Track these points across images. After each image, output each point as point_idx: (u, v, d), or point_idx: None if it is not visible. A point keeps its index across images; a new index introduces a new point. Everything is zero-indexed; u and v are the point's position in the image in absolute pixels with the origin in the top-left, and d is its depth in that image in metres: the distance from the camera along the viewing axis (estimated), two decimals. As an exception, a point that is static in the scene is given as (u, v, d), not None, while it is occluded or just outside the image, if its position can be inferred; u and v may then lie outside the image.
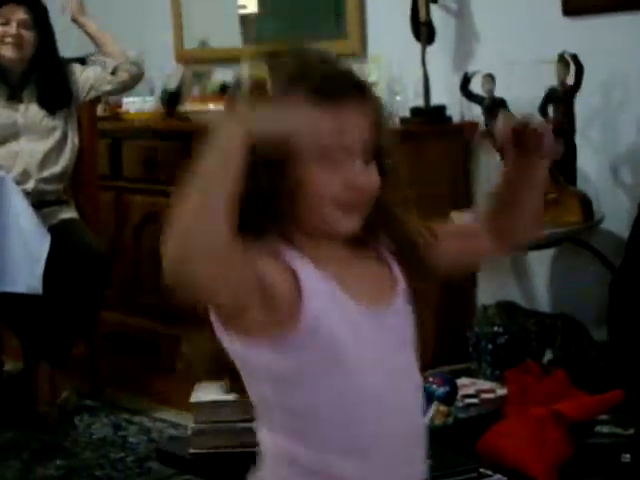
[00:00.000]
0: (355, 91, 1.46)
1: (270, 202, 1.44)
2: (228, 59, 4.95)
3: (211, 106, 4.70)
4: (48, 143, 4.07)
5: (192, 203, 1.30)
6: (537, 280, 4.08)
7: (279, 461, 1.50)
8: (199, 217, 1.31)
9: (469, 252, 1.72)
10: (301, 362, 1.45)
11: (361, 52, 4.53)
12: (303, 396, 1.46)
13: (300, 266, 1.44)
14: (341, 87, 1.45)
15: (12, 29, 3.97)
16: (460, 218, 3.76)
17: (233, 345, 1.45)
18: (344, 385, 1.46)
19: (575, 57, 3.59)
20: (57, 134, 4.09)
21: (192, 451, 2.86)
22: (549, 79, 3.65)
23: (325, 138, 1.42)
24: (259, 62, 1.49)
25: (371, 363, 1.49)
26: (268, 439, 1.51)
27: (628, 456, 2.67)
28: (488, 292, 4.12)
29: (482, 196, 4.07)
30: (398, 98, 4.29)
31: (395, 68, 4.29)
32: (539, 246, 3.78)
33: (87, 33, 4.24)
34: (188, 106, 4.80)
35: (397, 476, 1.53)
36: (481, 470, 2.58)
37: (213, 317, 1.44)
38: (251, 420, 1.62)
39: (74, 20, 4.20)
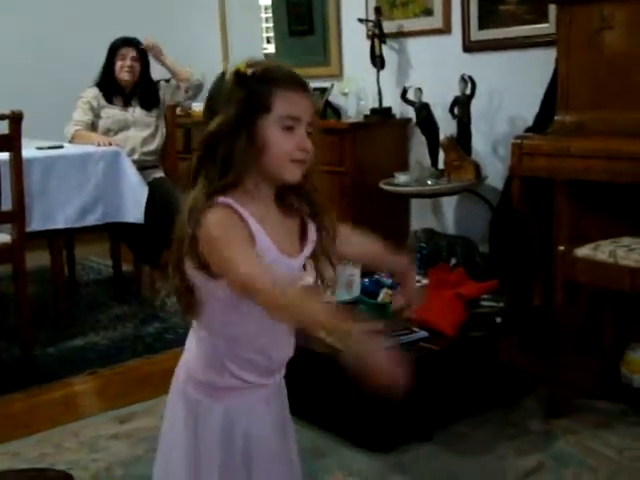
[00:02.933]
0: (304, 85, 1.35)
1: (243, 156, 1.30)
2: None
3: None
4: (146, 131, 4.06)
5: (282, 311, 1.25)
6: (447, 215, 4.11)
7: (205, 345, 1.41)
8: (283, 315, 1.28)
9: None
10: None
11: (339, 74, 4.53)
12: (235, 315, 1.36)
13: (249, 219, 1.31)
14: (296, 81, 1.34)
15: (128, 62, 3.99)
16: (400, 178, 3.77)
17: (200, 281, 1.33)
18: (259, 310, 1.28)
19: (470, 77, 3.63)
20: (152, 126, 4.08)
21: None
22: (455, 90, 3.69)
23: (288, 110, 1.32)
24: (241, 62, 1.35)
25: None
26: (205, 338, 1.41)
27: (499, 319, 2.74)
28: (417, 222, 4.15)
29: (412, 163, 4.13)
30: (362, 102, 4.32)
31: (361, 84, 4.31)
32: (449, 194, 3.86)
33: (165, 65, 4.11)
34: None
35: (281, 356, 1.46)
36: (413, 328, 2.61)
37: (190, 270, 1.33)
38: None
39: (155, 58, 4.07)
